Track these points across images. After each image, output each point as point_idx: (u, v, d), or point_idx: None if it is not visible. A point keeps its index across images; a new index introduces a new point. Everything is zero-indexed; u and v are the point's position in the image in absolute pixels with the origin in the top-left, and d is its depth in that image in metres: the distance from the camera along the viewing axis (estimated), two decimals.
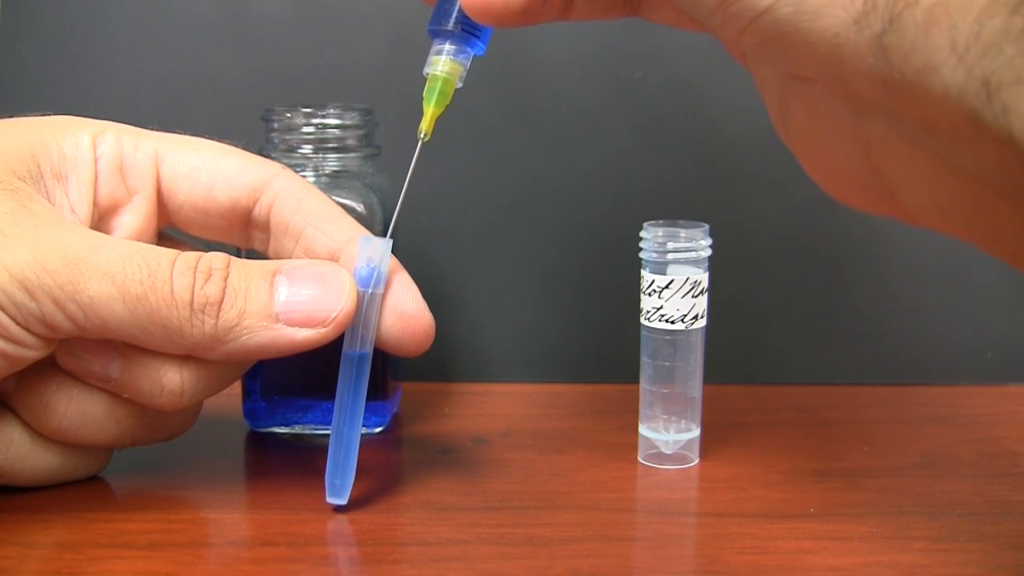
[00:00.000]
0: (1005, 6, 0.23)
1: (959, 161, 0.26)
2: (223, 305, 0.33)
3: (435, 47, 0.35)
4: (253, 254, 0.39)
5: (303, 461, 0.41)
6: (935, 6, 0.24)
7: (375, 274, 0.35)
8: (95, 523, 0.35)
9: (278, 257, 0.38)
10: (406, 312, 0.36)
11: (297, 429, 0.44)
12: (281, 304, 0.34)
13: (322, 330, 0.34)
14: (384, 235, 0.36)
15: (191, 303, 0.33)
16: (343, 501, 0.35)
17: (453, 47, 0.35)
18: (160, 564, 0.32)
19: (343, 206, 0.41)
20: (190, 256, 0.33)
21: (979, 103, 0.24)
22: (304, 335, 0.34)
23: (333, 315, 0.34)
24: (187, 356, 0.34)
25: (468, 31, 0.35)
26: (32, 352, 0.32)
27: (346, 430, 0.35)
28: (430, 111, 0.35)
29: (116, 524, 0.35)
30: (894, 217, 0.30)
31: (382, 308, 0.35)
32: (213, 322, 0.33)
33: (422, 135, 0.36)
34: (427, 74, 0.35)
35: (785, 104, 0.30)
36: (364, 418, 0.43)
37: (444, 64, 0.35)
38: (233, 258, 0.34)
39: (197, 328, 0.33)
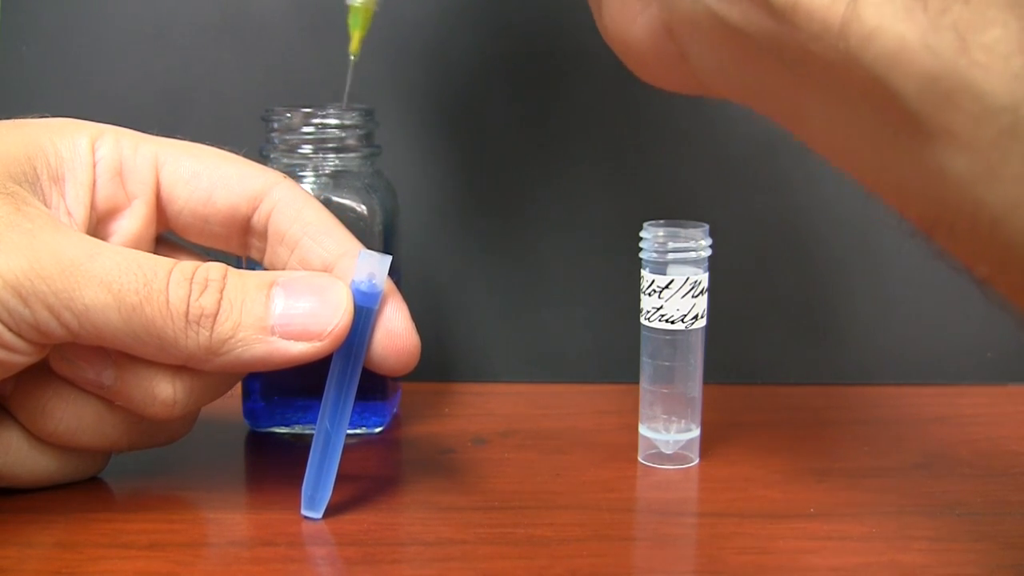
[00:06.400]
0: None
1: (729, 16, 0.27)
2: (218, 317, 0.33)
3: None
4: (253, 263, 0.39)
5: (303, 461, 0.40)
6: None
7: (372, 289, 0.34)
8: (95, 523, 0.35)
9: (273, 266, 0.37)
10: (393, 330, 0.35)
11: (297, 429, 0.44)
12: (277, 317, 0.33)
13: (318, 344, 0.33)
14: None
15: (186, 314, 0.32)
16: (318, 515, 0.35)
17: None
18: (160, 564, 0.32)
19: (343, 206, 0.41)
20: (187, 266, 0.33)
21: None
22: (299, 348, 0.33)
23: (329, 329, 0.33)
24: (181, 366, 0.34)
25: None
26: (23, 358, 0.32)
27: (329, 446, 0.35)
28: (356, 35, 0.42)
29: (116, 524, 0.35)
30: (694, 91, 0.32)
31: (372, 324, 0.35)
32: (208, 334, 0.33)
33: (352, 56, 0.42)
34: (348, 4, 0.42)
35: None
36: (364, 418, 0.43)
37: None
38: (230, 269, 0.34)
39: (192, 340, 0.32)
